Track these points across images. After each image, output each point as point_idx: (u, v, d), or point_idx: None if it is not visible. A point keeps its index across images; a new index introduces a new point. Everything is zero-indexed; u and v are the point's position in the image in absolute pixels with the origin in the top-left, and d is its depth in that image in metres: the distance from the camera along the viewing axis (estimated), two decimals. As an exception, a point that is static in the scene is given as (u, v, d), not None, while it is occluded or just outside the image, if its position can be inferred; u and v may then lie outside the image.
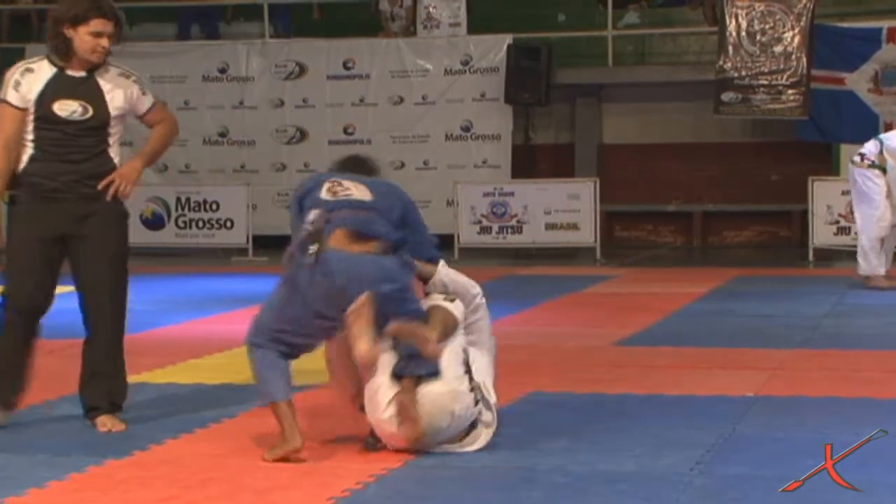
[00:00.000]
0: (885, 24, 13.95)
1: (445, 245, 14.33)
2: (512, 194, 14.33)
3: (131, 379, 5.66)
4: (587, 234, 14.08)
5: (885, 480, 4.35)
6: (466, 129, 15.26)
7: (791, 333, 8.15)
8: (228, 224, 14.77)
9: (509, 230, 14.22)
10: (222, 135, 15.83)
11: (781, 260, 13.56)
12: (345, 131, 15.53)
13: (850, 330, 8.33)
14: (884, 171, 10.17)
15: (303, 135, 15.66)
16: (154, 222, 14.89)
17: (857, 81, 13.96)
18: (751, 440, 5.13)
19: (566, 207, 14.12)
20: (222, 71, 15.77)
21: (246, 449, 4.96)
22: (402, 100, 15.40)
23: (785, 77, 14.10)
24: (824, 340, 7.86)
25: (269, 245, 14.64)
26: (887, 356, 7.26)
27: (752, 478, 4.51)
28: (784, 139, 14.78)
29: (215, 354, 7.40)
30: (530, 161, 15.48)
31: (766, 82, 14.16)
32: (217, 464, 4.74)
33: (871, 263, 10.26)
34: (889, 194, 10.17)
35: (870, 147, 10.34)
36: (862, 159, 10.28)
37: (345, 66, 15.52)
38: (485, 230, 14.25)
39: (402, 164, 15.36)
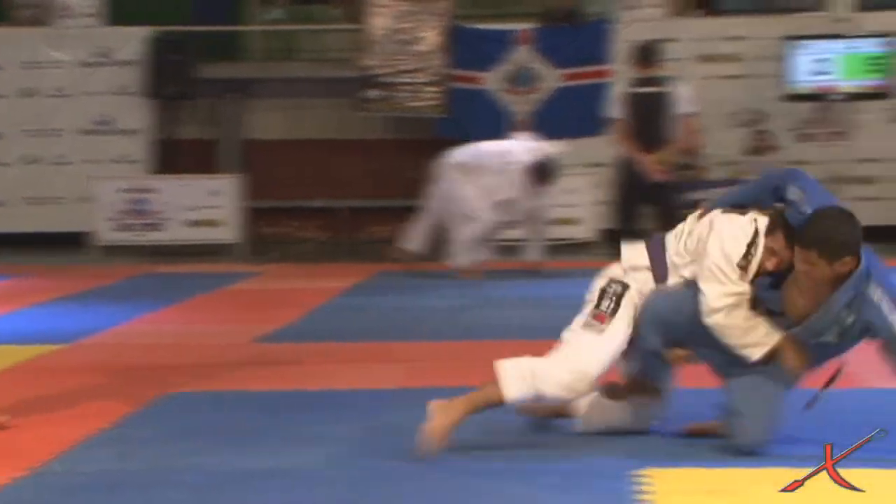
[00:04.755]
0: (517, 27, 14.49)
1: (81, 244, 13.85)
2: (153, 191, 13.99)
3: None
4: (231, 230, 13.94)
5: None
6: (104, 123, 14.76)
7: (431, 326, 8.31)
8: None
9: (150, 227, 13.87)
10: None
11: (425, 254, 13.81)
12: (-27, 123, 14.70)
13: (486, 321, 8.57)
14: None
15: (-75, 126, 14.70)
16: None
17: (493, 81, 14.44)
18: (392, 432, 5.16)
19: (209, 204, 13.94)
20: None
21: None
22: (34, 92, 14.71)
23: (425, 75, 14.41)
24: (462, 332, 8.06)
25: None
26: (520, 345, 7.44)
27: (393, 470, 4.54)
28: (425, 136, 15.09)
29: None
30: (173, 157, 15.14)
31: (407, 80, 14.43)
32: None
33: (469, 257, 10.87)
34: (486, 195, 10.79)
35: (458, 157, 11.03)
36: (447, 167, 11.00)
37: (-29, 55, 14.68)
38: (124, 227, 13.83)
39: (36, 159, 14.68)
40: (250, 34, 15.65)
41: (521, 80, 14.37)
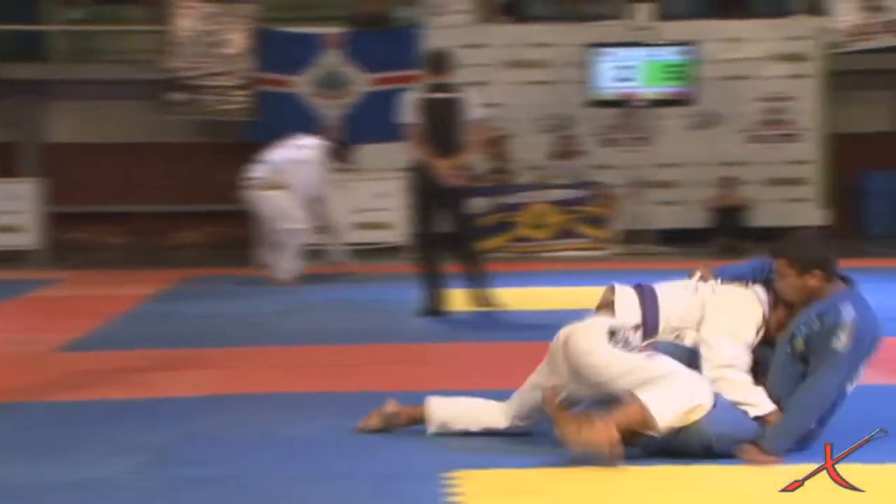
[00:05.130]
0: (325, 31, 14.45)
1: None
2: (-53, 195, 13.50)
3: None
4: (30, 236, 13.55)
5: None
6: None
7: (241, 332, 8.22)
8: None
9: (-55, 233, 13.40)
10: None
11: (232, 260, 13.66)
12: None
13: (296, 326, 8.52)
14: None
15: None
16: None
17: (303, 84, 14.37)
18: (202, 440, 5.09)
19: (7, 209, 13.56)
20: None
21: None
22: None
23: (232, 78, 14.25)
24: (272, 337, 7.98)
25: None
26: (326, 351, 7.50)
27: (202, 478, 4.47)
28: (233, 139, 14.93)
29: None
30: (-30, 160, 14.63)
31: (213, 83, 14.24)
32: None
33: (294, 266, 10.92)
34: (295, 199, 10.89)
35: (263, 169, 11.00)
36: (255, 182, 11.00)
37: None
38: (-84, 234, 13.30)
39: None
40: (51, 34, 15.21)
41: (331, 83, 14.34)
